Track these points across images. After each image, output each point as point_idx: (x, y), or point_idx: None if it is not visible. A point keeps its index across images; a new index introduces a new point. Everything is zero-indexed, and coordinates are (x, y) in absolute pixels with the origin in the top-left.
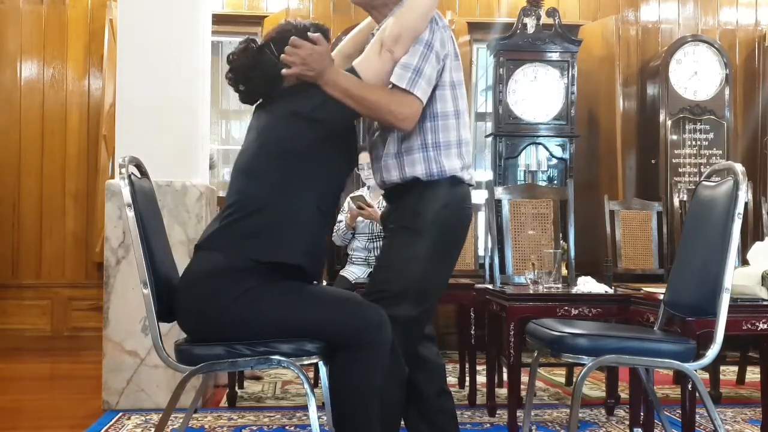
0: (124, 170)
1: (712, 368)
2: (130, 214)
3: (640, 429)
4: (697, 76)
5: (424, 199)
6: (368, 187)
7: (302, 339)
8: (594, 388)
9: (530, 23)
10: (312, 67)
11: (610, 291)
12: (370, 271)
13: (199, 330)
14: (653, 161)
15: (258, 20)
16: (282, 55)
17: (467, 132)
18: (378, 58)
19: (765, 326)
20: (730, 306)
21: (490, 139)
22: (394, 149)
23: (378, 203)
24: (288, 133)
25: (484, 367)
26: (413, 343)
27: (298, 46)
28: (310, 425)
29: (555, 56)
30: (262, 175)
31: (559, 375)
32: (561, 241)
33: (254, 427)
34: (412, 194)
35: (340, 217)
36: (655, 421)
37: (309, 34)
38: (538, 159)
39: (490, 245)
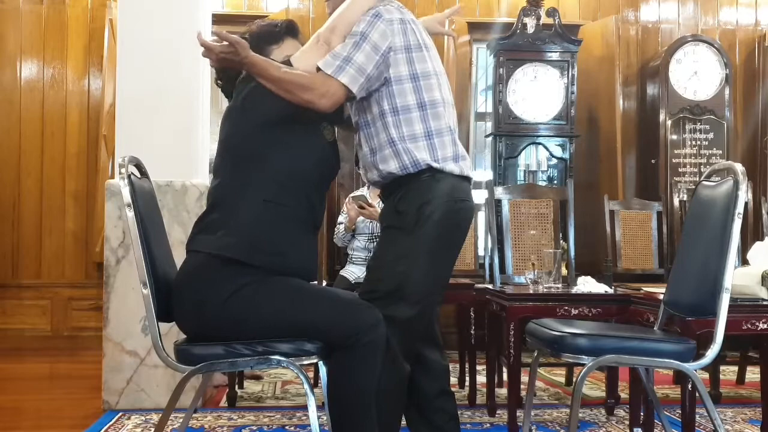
0: (123, 170)
1: (712, 368)
2: (130, 214)
3: (640, 429)
4: (697, 76)
5: (406, 197)
6: (368, 187)
7: (301, 339)
8: (594, 388)
9: (530, 23)
10: (231, 59)
11: (610, 291)
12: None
13: (196, 329)
14: (653, 161)
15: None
16: (201, 52)
17: (441, 122)
18: (314, 49)
19: (765, 326)
20: (730, 306)
21: (490, 139)
22: (367, 148)
23: (378, 202)
24: (231, 129)
25: (484, 367)
26: (413, 343)
27: (210, 48)
28: (310, 425)
29: (555, 56)
30: (218, 173)
31: (559, 375)
32: (561, 241)
33: (254, 427)
34: (396, 193)
35: (341, 218)
36: (655, 421)
37: (216, 32)
38: (538, 159)
39: (490, 245)
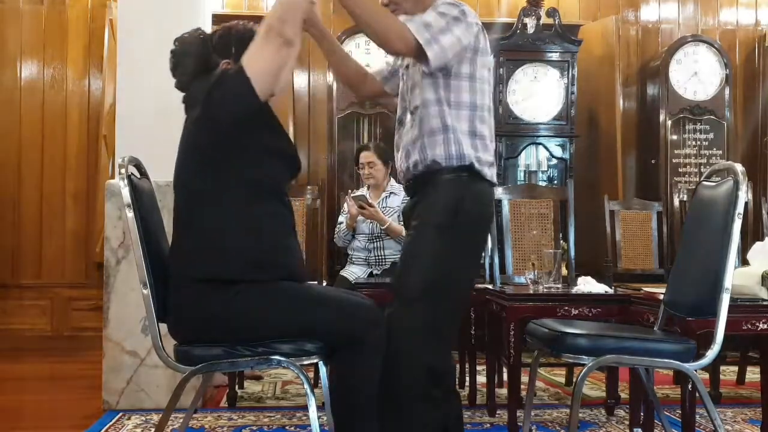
0: (123, 170)
1: (712, 368)
2: (130, 214)
3: (640, 429)
4: (697, 76)
5: (442, 195)
6: (368, 187)
7: (302, 339)
8: (594, 388)
9: (530, 23)
10: None
11: (610, 291)
12: (371, 272)
13: (195, 334)
14: (653, 161)
15: (258, 20)
16: None
17: (485, 127)
18: (268, 44)
19: (765, 326)
20: (730, 306)
21: None
22: (417, 132)
23: (378, 203)
24: (199, 139)
25: (484, 367)
26: (447, 344)
27: None
28: (310, 425)
29: (555, 56)
30: (189, 183)
31: (559, 375)
32: (561, 241)
33: (254, 427)
34: (431, 188)
35: (341, 218)
36: (655, 421)
37: None
38: (538, 159)
39: (490, 245)
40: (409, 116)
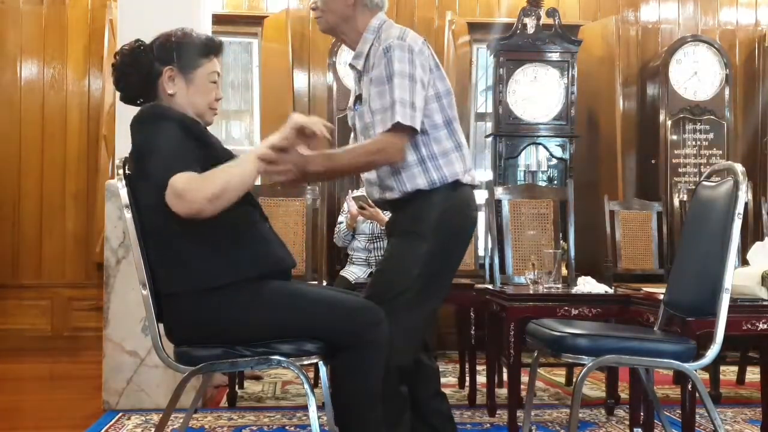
0: (121, 171)
1: (712, 368)
2: (128, 215)
3: (640, 429)
4: (697, 76)
5: (426, 204)
6: None
7: (302, 339)
8: (594, 388)
9: (530, 23)
10: (296, 173)
11: (610, 291)
12: (371, 272)
13: (194, 337)
14: (653, 161)
15: (258, 20)
16: (269, 170)
17: (461, 136)
18: (189, 188)
19: (765, 326)
20: (730, 306)
21: (490, 139)
22: (390, 168)
23: None
24: (138, 165)
25: (484, 367)
26: (417, 346)
27: (275, 161)
28: (310, 425)
29: (555, 56)
30: (139, 205)
31: (559, 375)
32: (561, 241)
33: (254, 427)
34: (415, 201)
35: (341, 218)
36: (655, 421)
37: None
38: (538, 159)
39: (490, 245)
40: None
